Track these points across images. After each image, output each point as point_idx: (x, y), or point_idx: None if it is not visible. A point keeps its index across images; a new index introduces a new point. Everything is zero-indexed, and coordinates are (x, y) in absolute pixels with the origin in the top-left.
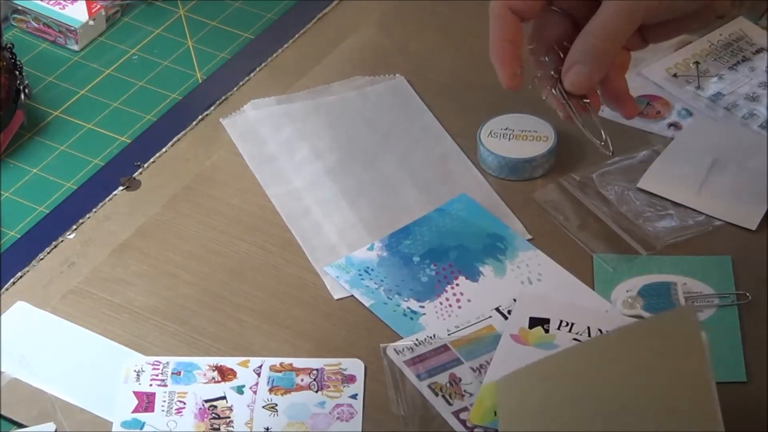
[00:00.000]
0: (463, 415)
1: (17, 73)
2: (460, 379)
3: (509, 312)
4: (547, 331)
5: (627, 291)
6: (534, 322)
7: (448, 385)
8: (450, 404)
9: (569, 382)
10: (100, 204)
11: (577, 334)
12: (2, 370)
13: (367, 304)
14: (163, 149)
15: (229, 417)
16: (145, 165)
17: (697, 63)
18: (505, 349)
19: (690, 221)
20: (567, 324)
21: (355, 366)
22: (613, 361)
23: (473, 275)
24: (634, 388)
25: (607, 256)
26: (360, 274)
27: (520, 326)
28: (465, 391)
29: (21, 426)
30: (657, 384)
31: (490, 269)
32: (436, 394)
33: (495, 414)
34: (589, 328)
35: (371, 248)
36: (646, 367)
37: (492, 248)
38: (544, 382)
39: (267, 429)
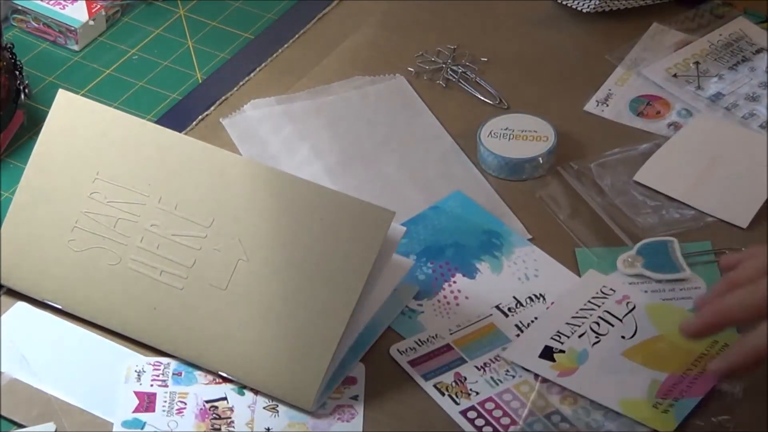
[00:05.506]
0: (470, 414)
1: (17, 73)
2: (466, 378)
3: (509, 309)
4: None
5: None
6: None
7: (453, 384)
8: (457, 403)
9: None
10: None
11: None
12: (2, 370)
13: None
14: None
15: (230, 417)
16: None
17: (697, 63)
18: None
19: (682, 216)
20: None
21: (355, 367)
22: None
23: (470, 272)
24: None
25: (594, 250)
26: None
27: None
28: (471, 389)
29: (21, 426)
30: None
31: (487, 266)
32: (443, 394)
33: None
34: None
35: None
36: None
37: (488, 245)
38: None
39: (268, 429)
